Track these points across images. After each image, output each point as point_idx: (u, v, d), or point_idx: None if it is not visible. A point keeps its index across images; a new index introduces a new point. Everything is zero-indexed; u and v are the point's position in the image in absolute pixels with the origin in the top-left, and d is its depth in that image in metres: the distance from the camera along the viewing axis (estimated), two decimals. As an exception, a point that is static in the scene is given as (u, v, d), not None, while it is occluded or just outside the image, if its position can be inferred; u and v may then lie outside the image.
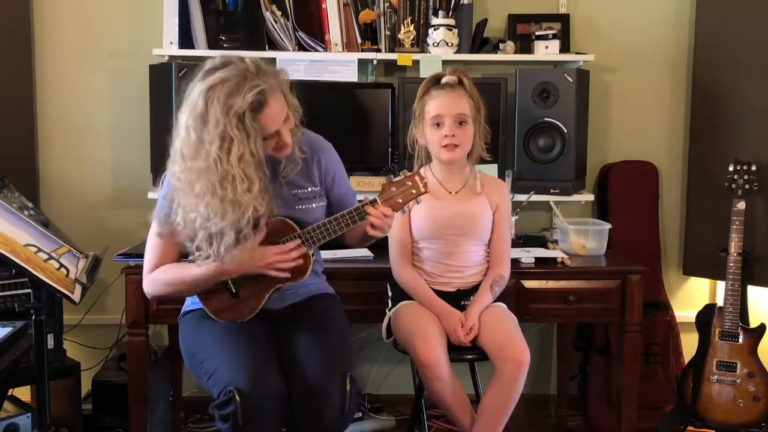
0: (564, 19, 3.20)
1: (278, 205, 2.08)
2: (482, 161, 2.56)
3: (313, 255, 2.13)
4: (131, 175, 3.20)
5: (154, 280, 2.13)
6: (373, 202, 2.03)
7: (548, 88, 2.96)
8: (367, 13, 3.04)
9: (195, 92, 1.96)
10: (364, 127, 3.02)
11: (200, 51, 2.95)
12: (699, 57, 3.23)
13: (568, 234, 2.87)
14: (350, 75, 3.02)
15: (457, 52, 3.03)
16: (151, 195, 2.91)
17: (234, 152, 1.92)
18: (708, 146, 3.20)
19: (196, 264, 2.05)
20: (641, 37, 3.28)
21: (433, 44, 3.02)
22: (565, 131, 2.96)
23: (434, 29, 3.01)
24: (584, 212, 3.33)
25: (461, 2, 3.04)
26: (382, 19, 3.05)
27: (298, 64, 3.00)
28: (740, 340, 2.89)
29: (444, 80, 2.44)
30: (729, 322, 2.90)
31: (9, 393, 2.78)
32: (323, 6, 3.02)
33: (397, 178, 2.05)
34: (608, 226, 2.93)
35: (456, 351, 2.38)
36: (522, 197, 2.90)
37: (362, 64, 3.11)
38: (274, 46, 3.04)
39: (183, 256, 2.15)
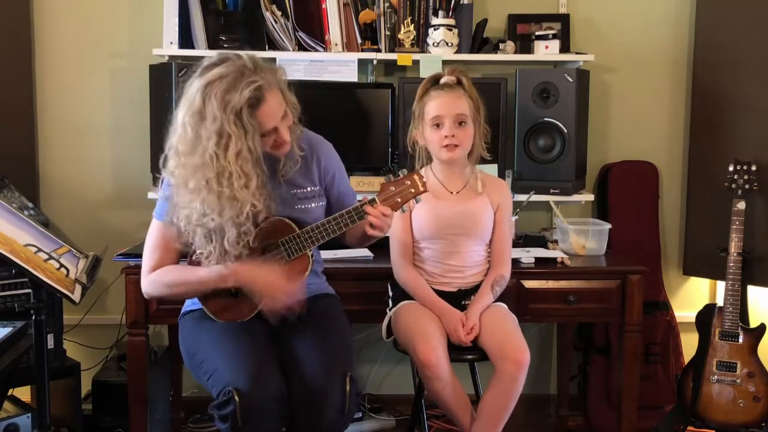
0: (564, 19, 3.20)
1: (276, 203, 2.08)
2: (482, 161, 2.56)
3: (312, 255, 2.13)
4: (131, 175, 3.20)
5: (154, 281, 2.13)
6: (372, 202, 2.03)
7: (548, 88, 2.96)
8: (367, 13, 3.04)
9: (192, 89, 1.96)
10: (364, 127, 3.02)
11: (200, 51, 2.95)
12: (699, 57, 3.23)
13: (568, 234, 2.87)
14: (350, 75, 3.02)
15: (457, 52, 3.03)
16: (151, 195, 2.91)
17: (231, 148, 1.92)
18: (708, 146, 3.20)
19: (198, 267, 2.05)
20: (641, 37, 3.28)
21: (433, 44, 3.02)
22: (565, 131, 2.96)
23: (434, 29, 3.01)
24: (584, 212, 3.33)
25: (461, 2, 3.04)
26: (382, 19, 3.05)
27: (298, 64, 3.00)
28: (740, 340, 2.89)
29: (443, 80, 2.44)
30: (729, 322, 2.90)
31: (9, 393, 2.78)
32: (323, 6, 3.02)
33: (396, 178, 2.05)
34: (608, 226, 2.93)
35: (456, 351, 2.38)
36: (522, 197, 2.89)
37: (362, 64, 3.11)
38: (274, 46, 3.04)
39: (182, 256, 2.15)
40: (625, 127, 3.33)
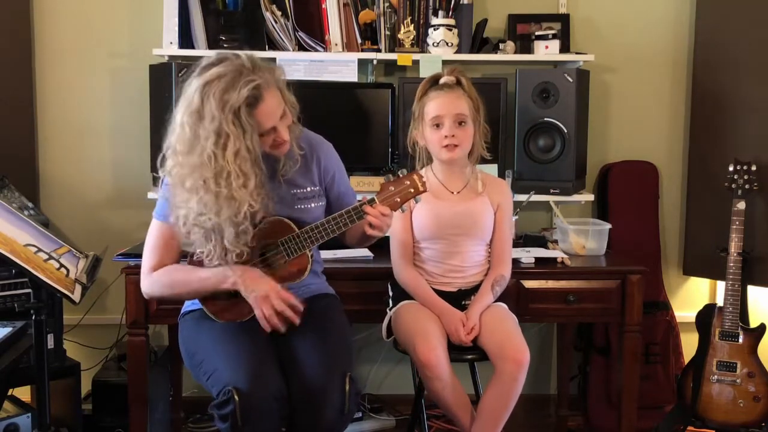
0: (564, 19, 3.20)
1: (275, 202, 2.08)
2: (483, 161, 2.56)
3: (312, 255, 2.13)
4: (131, 175, 3.20)
5: (155, 281, 2.13)
6: (371, 202, 2.03)
7: (548, 88, 2.96)
8: (367, 13, 3.04)
9: (191, 88, 1.96)
10: (364, 127, 3.02)
11: (200, 51, 2.95)
12: (699, 57, 3.23)
13: (568, 234, 2.87)
14: (350, 75, 3.02)
15: (457, 52, 3.03)
16: (151, 195, 2.91)
17: (230, 148, 1.92)
18: (708, 146, 3.20)
19: (198, 267, 2.05)
20: (641, 37, 3.28)
21: (433, 44, 3.02)
22: (565, 131, 2.96)
23: (434, 29, 3.01)
24: (584, 212, 3.33)
25: (461, 2, 3.04)
26: (382, 19, 3.05)
27: (298, 64, 3.00)
28: (740, 340, 2.89)
29: (442, 81, 2.45)
30: (729, 322, 2.90)
31: (9, 393, 2.78)
32: (323, 6, 3.02)
33: (396, 178, 2.04)
34: (608, 226, 2.93)
35: (456, 351, 2.38)
36: (522, 197, 2.89)
37: (362, 64, 3.11)
38: (274, 46, 3.04)
39: (182, 256, 2.15)
40: (625, 127, 3.33)
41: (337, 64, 3.02)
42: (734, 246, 2.91)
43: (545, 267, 2.71)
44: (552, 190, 2.98)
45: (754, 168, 2.93)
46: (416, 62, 3.02)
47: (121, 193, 3.23)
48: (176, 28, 2.96)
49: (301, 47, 3.06)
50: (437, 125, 2.42)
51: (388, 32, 3.07)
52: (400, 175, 2.04)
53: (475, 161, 2.52)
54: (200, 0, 2.98)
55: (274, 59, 2.97)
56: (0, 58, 3.08)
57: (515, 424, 2.54)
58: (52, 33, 3.16)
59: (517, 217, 2.88)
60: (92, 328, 3.18)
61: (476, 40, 3.10)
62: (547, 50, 3.08)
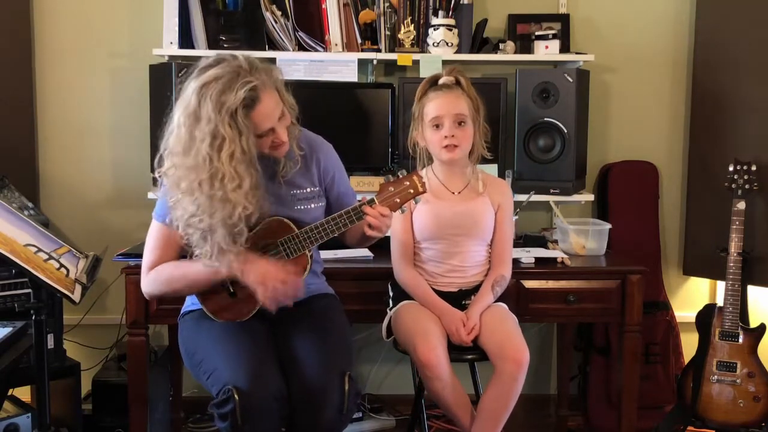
0: (564, 19, 3.20)
1: (271, 203, 2.08)
2: (483, 161, 2.56)
3: (311, 255, 2.13)
4: (131, 175, 3.20)
5: (153, 279, 2.13)
6: (370, 202, 2.03)
7: (548, 88, 2.96)
8: (367, 13, 3.04)
9: (188, 90, 1.96)
10: (364, 127, 3.02)
11: (200, 51, 2.95)
12: (699, 57, 3.23)
13: (568, 234, 2.87)
14: (350, 75, 3.02)
15: (457, 52, 3.03)
16: (151, 195, 2.91)
17: (225, 150, 1.92)
18: (708, 146, 3.20)
19: (194, 261, 2.05)
20: (641, 37, 3.28)
21: (433, 44, 3.02)
22: (565, 131, 2.96)
23: (434, 29, 3.01)
24: (584, 212, 3.33)
25: (461, 2, 3.04)
26: (382, 19, 3.05)
27: (298, 64, 3.01)
28: (740, 340, 2.89)
29: (441, 81, 2.45)
30: (729, 322, 2.90)
31: (9, 393, 2.78)
32: (323, 6, 3.02)
33: (396, 178, 2.04)
34: (608, 226, 2.93)
35: (456, 351, 2.38)
36: (522, 197, 2.89)
37: (362, 64, 3.11)
38: (274, 46, 3.05)
39: (182, 256, 2.15)
40: (625, 127, 3.33)
41: (337, 64, 3.02)
42: (734, 246, 2.91)
43: (545, 267, 2.71)
44: (552, 190, 2.98)
45: (754, 168, 2.93)
46: (416, 62, 3.02)
47: (121, 193, 3.23)
48: (176, 28, 2.96)
49: (301, 47, 3.06)
50: (437, 126, 2.42)
51: (388, 32, 3.07)
52: (400, 176, 2.04)
53: (476, 161, 2.52)
54: (200, 0, 2.98)
55: (274, 59, 2.97)
56: (0, 58, 3.08)
57: (515, 424, 2.54)
58: (52, 33, 3.16)
59: (517, 217, 2.88)
60: (92, 328, 3.18)
61: (476, 40, 3.10)
62: (547, 50, 3.08)
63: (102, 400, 2.87)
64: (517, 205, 2.84)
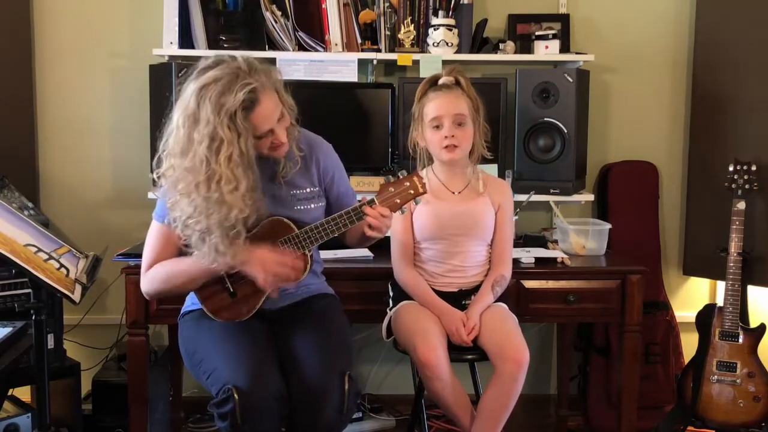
0: (564, 19, 3.20)
1: (270, 203, 2.07)
2: (483, 161, 2.56)
3: (311, 255, 2.13)
4: (131, 175, 3.20)
5: (152, 277, 2.13)
6: (370, 203, 2.03)
7: (548, 88, 2.96)
8: (367, 13, 3.04)
9: (187, 92, 1.96)
10: (364, 127, 3.02)
11: (200, 51, 2.96)
12: (699, 57, 3.23)
13: (568, 234, 2.87)
14: (350, 75, 3.02)
15: (457, 52, 3.03)
16: (151, 195, 2.90)
17: (223, 152, 1.92)
18: (708, 146, 3.20)
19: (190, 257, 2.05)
20: (641, 37, 3.28)
21: (433, 44, 3.02)
22: (565, 131, 2.96)
23: (434, 29, 3.01)
24: (584, 212, 3.33)
25: (461, 2, 3.04)
26: (382, 19, 3.05)
27: (298, 64, 3.01)
28: (740, 340, 2.89)
29: (441, 81, 2.45)
30: (729, 322, 2.90)
31: (9, 393, 2.78)
32: (323, 6, 3.02)
33: (396, 179, 2.04)
34: (608, 226, 2.93)
35: (456, 351, 2.38)
36: (522, 197, 2.89)
37: (362, 64, 3.11)
38: (274, 46, 3.05)
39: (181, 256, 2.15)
40: (625, 127, 3.33)
41: (337, 64, 3.02)
42: (734, 246, 2.91)
43: (545, 267, 2.71)
44: (552, 190, 2.98)
45: (754, 168, 2.93)
46: (416, 62, 3.02)
47: (121, 193, 3.23)
48: (176, 28, 2.96)
49: (301, 47, 3.06)
50: (437, 126, 2.42)
51: (388, 32, 3.07)
52: (400, 176, 2.04)
53: (476, 161, 2.52)
54: (200, 0, 2.98)
55: (274, 59, 2.97)
56: (0, 58, 3.08)
57: (515, 424, 2.54)
58: (52, 33, 3.16)
59: (517, 217, 2.88)
60: (92, 328, 3.18)
61: (476, 40, 3.10)
62: (547, 50, 3.08)
63: (102, 400, 2.87)
64: (517, 205, 2.84)
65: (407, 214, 2.47)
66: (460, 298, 2.47)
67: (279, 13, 3.02)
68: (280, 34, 3.02)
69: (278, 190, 2.15)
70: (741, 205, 2.92)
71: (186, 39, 2.99)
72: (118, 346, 3.06)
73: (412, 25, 3.05)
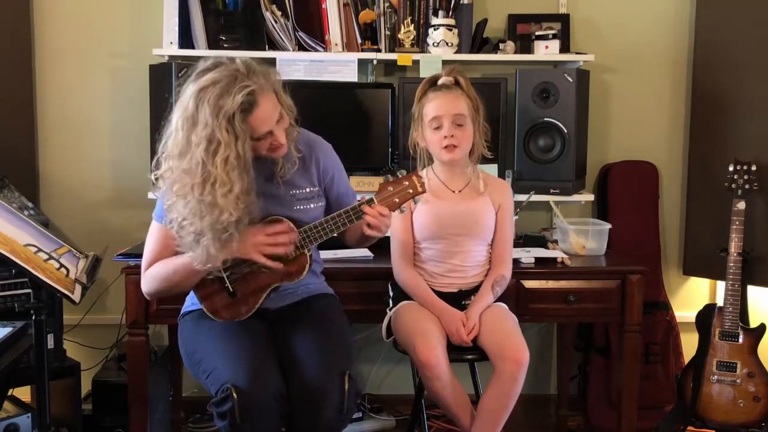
0: (564, 19, 3.20)
1: (260, 208, 2.07)
2: (484, 160, 2.56)
3: (311, 254, 2.13)
4: (131, 175, 3.20)
5: (152, 276, 2.13)
6: (369, 202, 2.04)
7: (548, 88, 2.96)
8: (367, 13, 3.04)
9: (186, 94, 1.96)
10: (364, 127, 3.02)
11: (200, 51, 2.95)
12: (699, 57, 3.23)
13: (568, 234, 2.87)
14: (350, 75, 3.02)
15: (457, 52, 3.03)
16: (151, 195, 2.91)
17: (219, 155, 1.92)
18: (708, 146, 3.20)
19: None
20: (641, 37, 3.28)
21: (433, 44, 3.02)
22: (565, 131, 2.96)
23: (434, 29, 3.01)
24: (584, 212, 3.33)
25: (461, 2, 3.04)
26: (382, 19, 3.05)
27: (298, 64, 3.00)
28: (740, 340, 2.89)
29: (440, 81, 2.45)
30: (729, 322, 2.90)
31: (9, 393, 2.78)
32: (323, 6, 3.02)
33: (395, 178, 2.05)
34: (608, 226, 2.93)
35: (456, 351, 2.38)
36: (522, 197, 2.89)
37: (362, 64, 3.11)
38: (274, 46, 3.05)
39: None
40: (625, 127, 3.33)
41: (337, 64, 3.02)
42: (734, 246, 2.91)
43: (545, 267, 2.71)
44: (552, 190, 2.98)
45: (754, 168, 2.93)
46: (416, 62, 3.02)
47: (121, 193, 3.23)
48: (176, 28, 2.96)
49: (301, 47, 3.06)
50: (437, 126, 2.42)
51: (388, 32, 3.07)
52: (399, 176, 2.04)
53: (476, 161, 2.52)
54: (200, 0, 2.98)
55: (274, 59, 2.97)
56: (0, 58, 3.08)
57: (515, 424, 2.54)
58: (52, 33, 3.16)
59: (517, 217, 2.88)
60: (92, 328, 3.18)
61: (476, 40, 3.10)
62: (547, 50, 3.08)
63: (102, 400, 2.87)
64: (517, 205, 2.84)
65: (407, 213, 2.47)
66: (459, 299, 2.47)
67: (279, 13, 3.02)
68: (280, 34, 3.02)
69: (277, 190, 2.16)
70: (741, 205, 2.92)
71: (186, 39, 2.99)
72: (118, 346, 3.06)
73: (412, 25, 3.05)
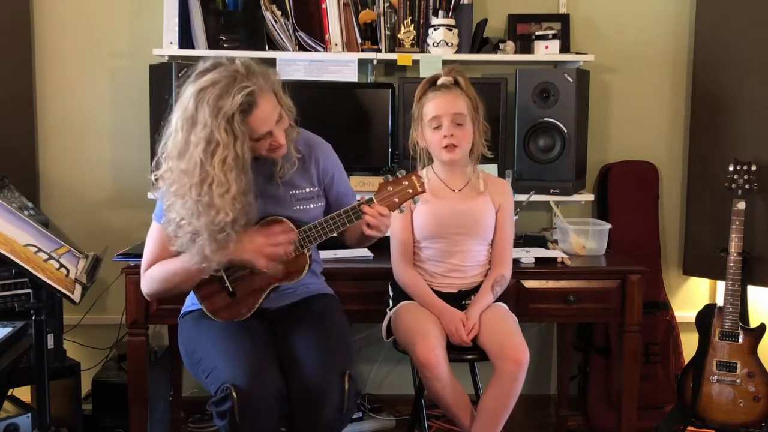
0: (564, 19, 3.20)
1: (258, 209, 2.07)
2: (484, 160, 2.56)
3: (310, 254, 2.13)
4: (131, 175, 3.20)
5: (151, 277, 2.13)
6: (369, 202, 2.04)
7: (548, 88, 2.96)
8: (367, 13, 3.04)
9: (186, 95, 1.97)
10: (364, 127, 3.02)
11: (200, 51, 2.95)
12: (699, 57, 3.23)
13: (568, 234, 2.87)
14: (350, 75, 3.02)
15: (457, 52, 3.03)
16: (150, 195, 2.90)
17: (218, 155, 1.93)
18: (708, 146, 3.20)
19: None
20: (641, 37, 3.28)
21: (433, 44, 3.02)
22: (565, 131, 2.96)
23: (434, 29, 3.01)
24: (584, 212, 3.33)
25: (461, 2, 3.04)
26: (382, 19, 3.05)
27: (298, 64, 3.01)
28: (740, 340, 2.89)
29: (439, 81, 2.45)
30: (729, 322, 2.90)
31: (9, 393, 2.78)
32: (323, 6, 3.02)
33: (395, 178, 2.05)
34: (608, 226, 2.93)
35: (456, 351, 2.38)
36: (522, 197, 2.89)
37: (362, 64, 3.11)
38: (274, 46, 3.05)
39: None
40: (625, 127, 3.33)
41: (337, 64, 3.02)
42: (734, 246, 2.91)
43: (545, 267, 2.71)
44: (552, 190, 2.98)
45: (754, 168, 2.93)
46: (416, 62, 3.02)
47: (121, 193, 3.23)
48: (176, 28, 2.96)
49: (301, 47, 3.06)
50: (436, 126, 2.42)
51: (388, 32, 3.07)
52: (399, 176, 2.04)
53: (476, 160, 2.52)
54: (200, 0, 2.98)
55: (274, 59, 2.97)
56: (0, 58, 3.08)
57: (515, 424, 2.54)
58: (52, 33, 3.16)
59: (517, 217, 2.88)
60: (92, 328, 3.19)
61: (476, 40, 3.10)
62: (547, 50, 3.08)
63: (102, 400, 2.87)
64: (517, 205, 2.84)
65: (407, 213, 2.47)
66: (460, 299, 2.47)
67: (279, 13, 3.02)
68: (280, 34, 3.02)
69: (276, 191, 2.16)
70: (741, 205, 2.92)
71: (186, 39, 2.99)
72: (118, 346, 3.06)
73: (412, 25, 3.05)
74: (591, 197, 3.13)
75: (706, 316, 2.97)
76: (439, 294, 2.46)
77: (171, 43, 2.98)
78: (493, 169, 2.90)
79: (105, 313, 3.21)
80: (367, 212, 2.03)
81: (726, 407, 2.89)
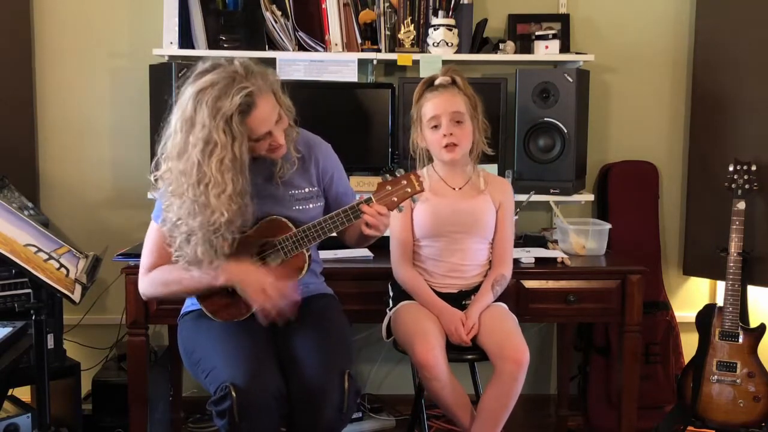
0: (564, 19, 3.20)
1: (255, 210, 2.07)
2: (484, 160, 2.56)
3: (309, 254, 2.13)
4: (131, 175, 3.20)
5: (151, 281, 2.14)
6: (367, 201, 2.04)
7: (548, 88, 2.96)
8: (367, 13, 3.04)
9: (185, 96, 1.97)
10: (364, 127, 3.02)
11: (200, 51, 2.95)
12: (699, 57, 3.23)
13: (568, 234, 2.87)
14: (350, 75, 3.02)
15: (457, 52, 3.03)
16: (150, 195, 2.90)
17: (215, 156, 1.93)
18: (708, 146, 3.20)
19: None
20: (641, 37, 3.28)
21: (433, 44, 3.02)
22: (565, 131, 2.96)
23: (434, 29, 3.01)
24: (584, 212, 3.33)
25: (461, 2, 3.04)
26: (382, 19, 3.05)
27: (298, 64, 3.01)
28: (740, 340, 2.89)
29: (437, 81, 2.45)
30: (729, 322, 2.90)
31: (9, 393, 2.78)
32: (323, 6, 3.02)
33: (393, 177, 2.05)
34: (608, 226, 2.93)
35: (456, 351, 2.38)
36: (522, 197, 2.89)
37: (362, 64, 3.11)
38: (274, 46, 3.05)
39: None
40: (625, 127, 3.33)
41: (337, 64, 3.02)
42: (734, 246, 2.91)
43: (545, 267, 2.71)
44: (552, 190, 2.98)
45: (754, 168, 2.93)
46: (416, 62, 3.02)
47: (121, 193, 3.23)
48: (176, 28, 2.96)
49: (301, 47, 3.06)
50: (435, 126, 2.42)
51: (388, 32, 3.07)
52: (398, 175, 2.04)
53: (476, 159, 2.53)
54: (200, 0, 2.98)
55: (274, 59, 2.97)
56: (0, 58, 3.08)
57: (515, 424, 2.54)
58: (52, 33, 3.16)
59: (517, 217, 2.88)
60: (92, 328, 3.18)
61: (476, 40, 3.10)
62: (547, 50, 3.08)
63: (102, 400, 2.87)
64: (517, 205, 2.84)
65: (406, 212, 2.47)
66: (460, 299, 2.47)
67: (279, 13, 3.02)
68: (280, 34, 3.02)
69: (276, 191, 2.16)
70: (741, 205, 2.92)
71: (186, 39, 2.99)
72: (118, 346, 3.06)
73: (412, 25, 3.05)
74: (591, 197, 3.13)
75: (706, 316, 2.97)
76: (440, 294, 2.45)
77: (171, 43, 2.98)
78: (493, 169, 2.90)
79: (105, 313, 3.21)
80: (365, 211, 2.03)
81: (726, 407, 2.89)
